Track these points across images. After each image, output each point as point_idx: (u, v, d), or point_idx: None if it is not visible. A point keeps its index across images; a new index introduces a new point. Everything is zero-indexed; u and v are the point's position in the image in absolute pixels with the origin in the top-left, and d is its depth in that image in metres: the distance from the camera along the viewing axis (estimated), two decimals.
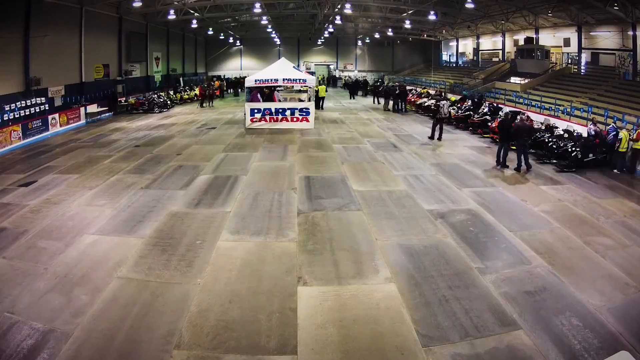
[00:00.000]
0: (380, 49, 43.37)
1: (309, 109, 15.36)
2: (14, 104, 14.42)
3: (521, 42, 26.90)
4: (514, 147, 10.06)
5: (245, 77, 18.57)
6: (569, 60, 24.32)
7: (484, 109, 15.96)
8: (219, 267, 5.23)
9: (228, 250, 5.69)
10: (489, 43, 33.31)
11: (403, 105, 21.42)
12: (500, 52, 30.89)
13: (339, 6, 25.28)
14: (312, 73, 34.49)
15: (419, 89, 26.81)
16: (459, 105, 17.71)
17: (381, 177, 9.19)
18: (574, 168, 9.98)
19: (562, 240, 6.08)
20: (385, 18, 29.37)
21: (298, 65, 35.73)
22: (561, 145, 10.54)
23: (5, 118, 13.63)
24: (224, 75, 39.86)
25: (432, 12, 23.73)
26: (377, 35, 38.42)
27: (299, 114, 15.19)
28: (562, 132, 11.22)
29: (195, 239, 5.99)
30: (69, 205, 7.47)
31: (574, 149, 10.17)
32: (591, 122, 11.67)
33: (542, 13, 23.01)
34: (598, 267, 5.34)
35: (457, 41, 37.29)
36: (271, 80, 15.45)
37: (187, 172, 9.55)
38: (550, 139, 11.02)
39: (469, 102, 17.84)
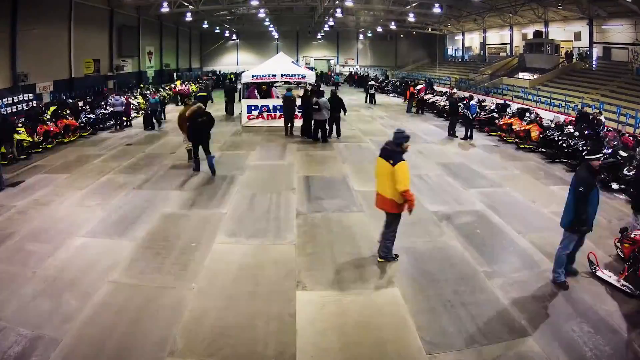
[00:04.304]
0: (383, 43, 42.96)
1: None
2: (0, 101, 14.13)
3: (530, 36, 26.45)
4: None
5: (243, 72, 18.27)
6: (579, 55, 23.92)
7: (491, 105, 15.66)
8: (215, 271, 5.08)
9: (224, 253, 5.53)
10: (496, 37, 32.85)
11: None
12: (508, 46, 30.47)
13: None
14: (312, 68, 34.20)
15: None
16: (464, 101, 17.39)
17: None
18: None
19: None
20: (388, 11, 28.98)
21: (297, 60, 35.37)
22: (571, 143, 10.27)
23: None
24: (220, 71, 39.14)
25: (437, 5, 23.41)
26: (379, 29, 38.03)
27: (298, 111, 14.91)
28: (572, 130, 10.93)
29: (190, 242, 5.82)
30: (58, 206, 7.26)
31: (584, 147, 9.90)
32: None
33: (552, 6, 22.63)
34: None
35: (463, 35, 36.87)
36: (269, 76, 15.16)
37: (181, 171, 9.32)
38: (560, 137, 10.74)
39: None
